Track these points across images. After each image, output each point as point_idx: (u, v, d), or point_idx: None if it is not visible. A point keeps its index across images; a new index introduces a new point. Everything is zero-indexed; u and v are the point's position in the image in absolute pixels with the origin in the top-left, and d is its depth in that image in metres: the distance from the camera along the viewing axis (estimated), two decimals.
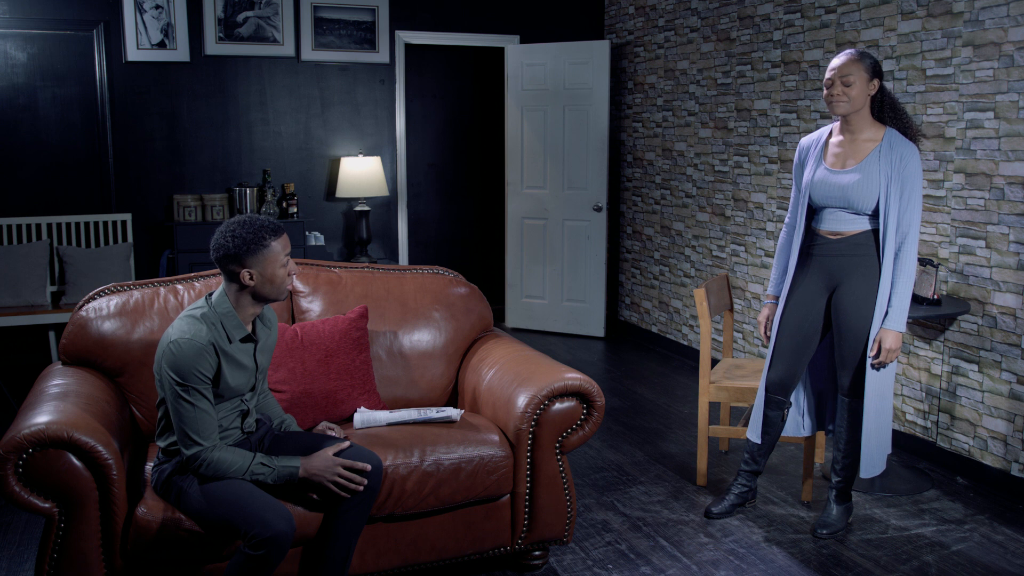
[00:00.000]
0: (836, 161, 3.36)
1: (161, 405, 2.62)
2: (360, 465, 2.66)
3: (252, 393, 2.73)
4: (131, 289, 3.17)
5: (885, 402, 3.34)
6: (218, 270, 3.29)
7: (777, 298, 3.59)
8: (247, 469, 2.57)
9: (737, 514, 3.66)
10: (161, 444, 2.64)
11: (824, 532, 3.46)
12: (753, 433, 3.58)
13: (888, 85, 4.37)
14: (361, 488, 2.66)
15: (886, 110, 3.32)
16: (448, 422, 3.11)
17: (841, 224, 3.35)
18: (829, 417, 3.68)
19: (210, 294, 2.64)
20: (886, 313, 3.26)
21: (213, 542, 2.60)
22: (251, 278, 2.56)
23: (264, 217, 2.63)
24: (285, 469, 2.61)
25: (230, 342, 2.58)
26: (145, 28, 5.87)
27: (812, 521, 3.60)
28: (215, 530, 2.57)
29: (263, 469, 2.59)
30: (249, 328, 2.65)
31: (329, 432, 2.96)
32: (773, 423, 3.54)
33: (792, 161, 5.06)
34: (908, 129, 3.31)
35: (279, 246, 2.58)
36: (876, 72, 3.28)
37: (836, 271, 3.38)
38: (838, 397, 3.49)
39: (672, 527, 3.56)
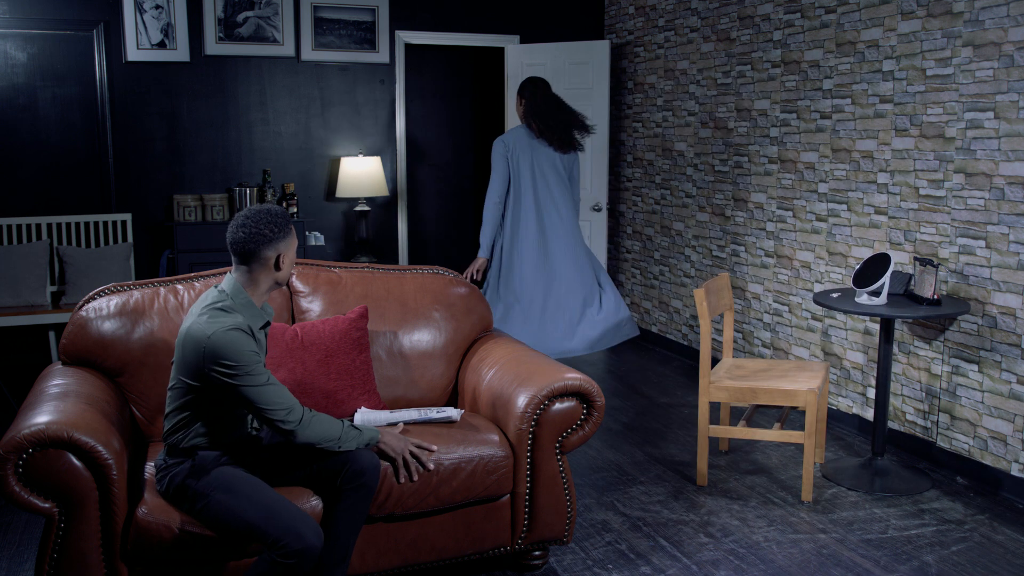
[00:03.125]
0: None
1: (175, 413, 2.60)
2: (428, 445, 2.85)
3: None
4: (131, 289, 3.17)
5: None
6: (218, 269, 3.31)
7: None
8: (341, 434, 2.66)
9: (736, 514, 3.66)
10: (180, 444, 2.59)
11: None
12: None
13: (888, 85, 4.37)
14: (417, 477, 2.81)
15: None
16: (448, 422, 3.11)
17: None
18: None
19: (219, 289, 2.64)
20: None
21: (221, 543, 2.59)
22: (282, 261, 2.66)
23: (274, 206, 2.72)
24: (370, 436, 2.75)
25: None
26: (145, 28, 5.87)
27: (812, 521, 3.60)
28: (237, 536, 2.56)
29: (353, 433, 2.70)
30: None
31: None
32: None
33: (789, 161, 5.08)
34: (548, 129, 4.80)
35: (294, 231, 2.73)
36: (521, 93, 4.85)
37: None
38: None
39: (672, 527, 3.56)
